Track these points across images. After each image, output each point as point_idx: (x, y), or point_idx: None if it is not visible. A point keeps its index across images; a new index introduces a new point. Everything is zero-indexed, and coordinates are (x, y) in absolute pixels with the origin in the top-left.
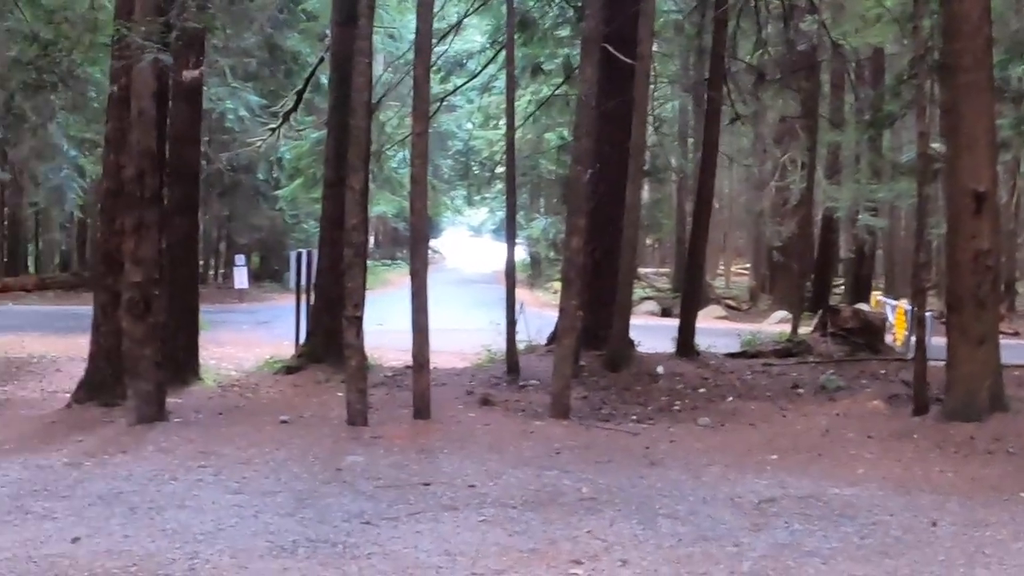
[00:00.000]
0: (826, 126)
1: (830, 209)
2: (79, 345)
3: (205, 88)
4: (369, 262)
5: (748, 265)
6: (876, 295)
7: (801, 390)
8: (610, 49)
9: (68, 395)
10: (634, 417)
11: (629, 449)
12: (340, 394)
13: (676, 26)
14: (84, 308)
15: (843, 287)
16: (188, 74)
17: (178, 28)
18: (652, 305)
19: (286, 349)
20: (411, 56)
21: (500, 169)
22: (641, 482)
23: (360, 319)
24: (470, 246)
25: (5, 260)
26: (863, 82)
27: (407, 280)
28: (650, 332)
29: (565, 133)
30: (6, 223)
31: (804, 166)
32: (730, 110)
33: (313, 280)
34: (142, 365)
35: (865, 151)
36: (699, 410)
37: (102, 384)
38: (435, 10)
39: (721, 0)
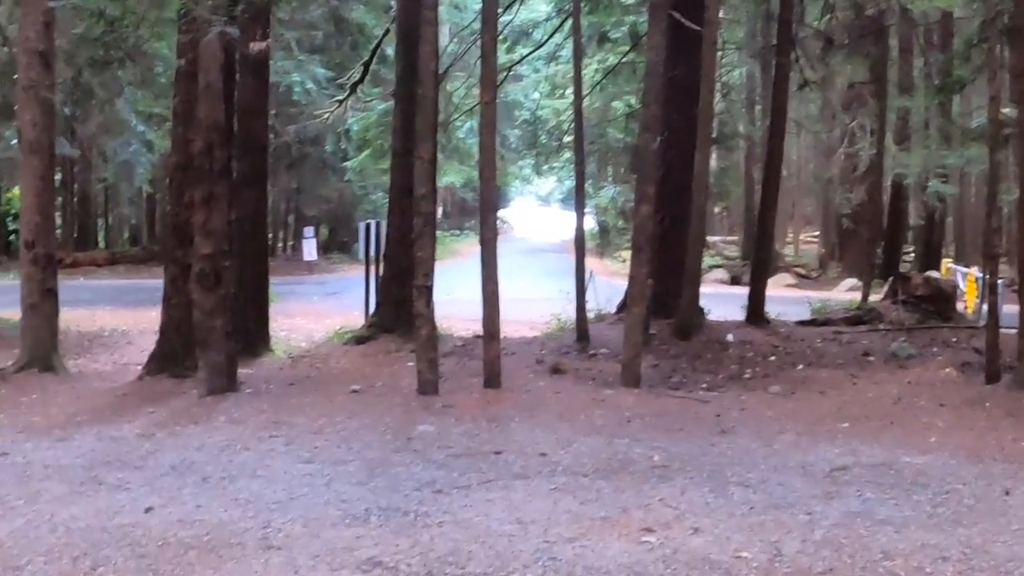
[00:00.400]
0: (895, 91)
1: (899, 176)
2: (149, 318)
3: (271, 61)
4: (438, 232)
5: (817, 233)
6: (946, 262)
7: (872, 358)
8: (677, 16)
9: (139, 367)
10: (704, 385)
11: (700, 417)
12: (410, 364)
13: None
14: (154, 281)
15: (913, 254)
16: (255, 46)
17: (244, 1)
18: (721, 273)
19: (355, 320)
20: (477, 26)
21: (568, 138)
22: (712, 450)
23: (430, 289)
24: (538, 216)
25: (75, 235)
26: (932, 46)
27: (475, 250)
28: (719, 300)
29: (633, 101)
30: (76, 199)
31: (873, 132)
32: (798, 76)
33: (382, 251)
34: (213, 337)
35: (935, 116)
36: (769, 378)
37: (173, 356)
38: None
39: None
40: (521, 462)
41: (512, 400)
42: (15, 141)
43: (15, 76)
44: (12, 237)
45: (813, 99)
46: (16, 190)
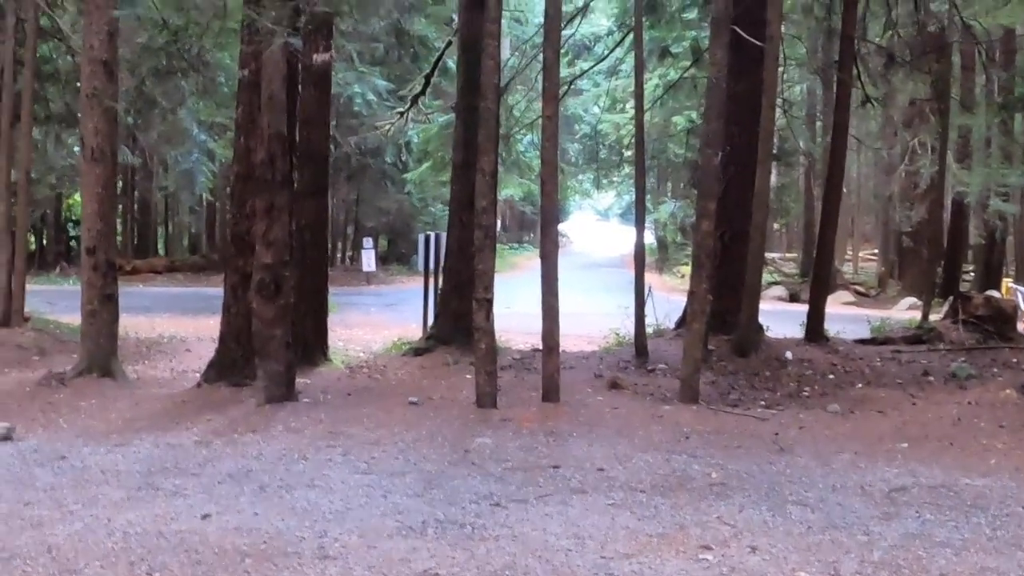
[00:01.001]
0: (957, 109)
1: (960, 194)
2: (208, 326)
3: (333, 72)
4: (497, 245)
5: (876, 250)
6: (1007, 282)
7: (931, 378)
8: (739, 31)
9: (198, 375)
10: (763, 403)
11: (758, 435)
12: (468, 376)
13: (805, 7)
14: (212, 290)
15: (973, 273)
16: (319, 57)
17: (307, 13)
18: (780, 290)
19: (413, 331)
20: (538, 40)
21: (628, 153)
22: (770, 468)
23: (490, 302)
24: (597, 230)
25: (135, 243)
26: (994, 64)
27: (534, 263)
28: (778, 317)
29: (693, 116)
30: (136, 206)
31: (934, 150)
32: (860, 93)
33: (441, 263)
34: (272, 346)
35: (996, 134)
36: (828, 396)
37: (232, 364)
38: None
39: None
40: (579, 477)
41: (570, 414)
42: (77, 148)
43: (78, 84)
44: (72, 243)
45: (874, 116)
46: (77, 196)
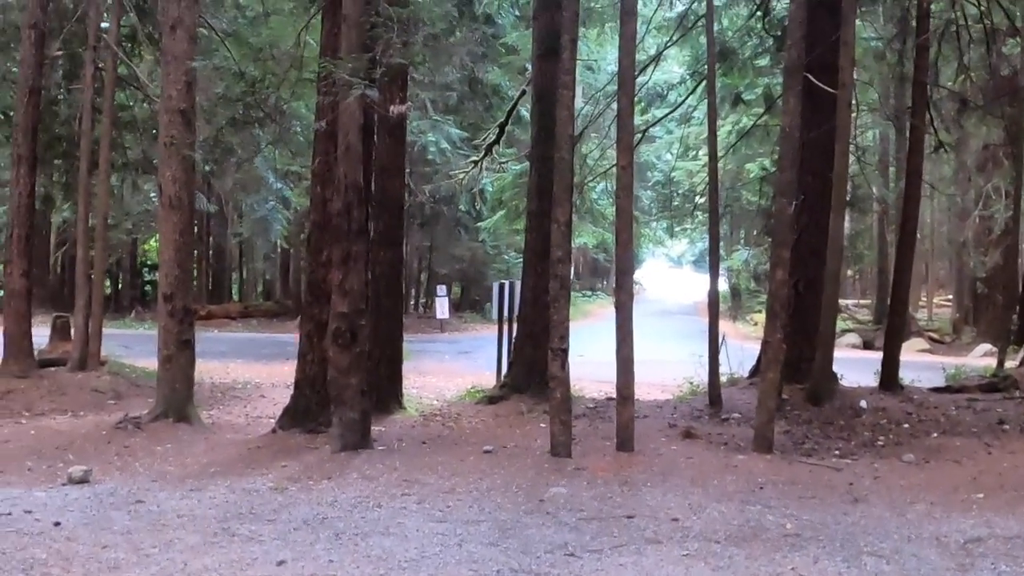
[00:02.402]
0: None
1: None
2: (282, 372)
3: (407, 121)
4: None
5: (950, 297)
6: None
7: (1007, 426)
8: (811, 78)
9: (272, 420)
10: (837, 452)
11: (832, 485)
12: (543, 425)
13: (876, 54)
14: (286, 336)
15: None
16: (395, 110)
17: (383, 64)
18: (854, 337)
19: (487, 379)
20: (611, 88)
21: (700, 200)
22: (845, 519)
23: (566, 351)
24: (670, 277)
25: (210, 288)
26: None
27: (607, 311)
28: (852, 365)
29: (767, 163)
30: (211, 252)
31: (1008, 194)
32: (933, 138)
33: (515, 311)
34: (347, 393)
35: None
36: (903, 446)
37: (307, 411)
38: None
39: (923, 26)
40: (653, 527)
41: (644, 464)
42: (153, 194)
43: (155, 132)
44: (147, 287)
45: (948, 161)
46: (152, 241)
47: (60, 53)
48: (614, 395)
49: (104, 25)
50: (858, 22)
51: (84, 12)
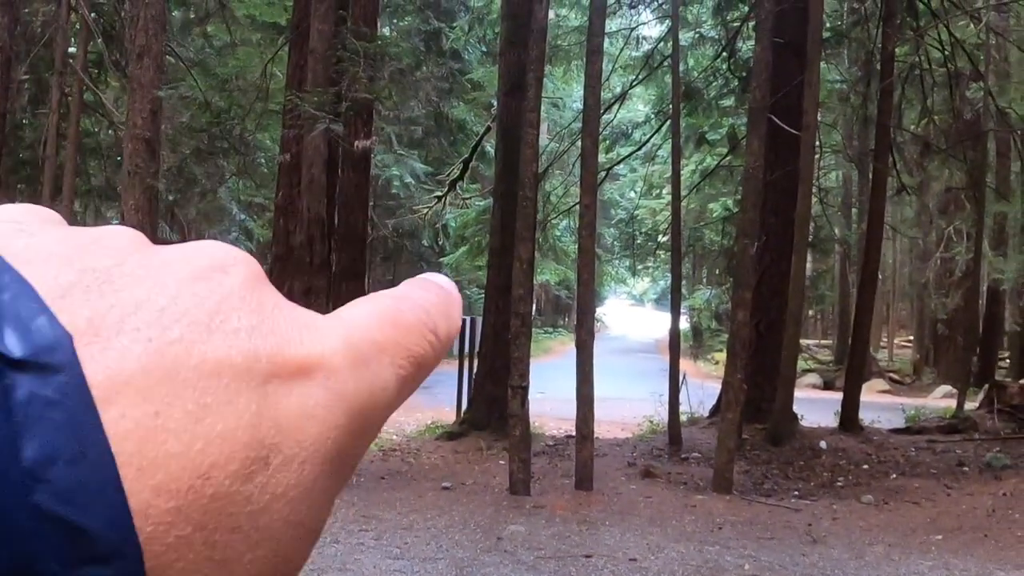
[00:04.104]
0: (992, 196)
1: (996, 281)
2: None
3: (371, 155)
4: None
5: (911, 338)
6: None
7: (966, 468)
8: (775, 120)
9: None
10: (796, 492)
11: (791, 525)
12: (502, 462)
13: (841, 96)
14: None
15: (1008, 361)
16: (360, 144)
17: (349, 98)
18: (814, 378)
19: (447, 415)
20: (576, 125)
21: (663, 238)
22: (803, 560)
23: (526, 389)
24: (632, 315)
25: None
26: None
27: (568, 348)
28: (812, 405)
29: (730, 203)
30: None
31: (969, 237)
32: (895, 180)
33: (476, 347)
34: None
35: None
36: (862, 487)
37: None
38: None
39: (887, 69)
40: (611, 567)
41: (603, 503)
42: (116, 221)
43: (119, 158)
44: None
45: (910, 203)
46: None
47: (26, 77)
48: (574, 433)
49: (71, 51)
50: (823, 64)
51: (51, 37)
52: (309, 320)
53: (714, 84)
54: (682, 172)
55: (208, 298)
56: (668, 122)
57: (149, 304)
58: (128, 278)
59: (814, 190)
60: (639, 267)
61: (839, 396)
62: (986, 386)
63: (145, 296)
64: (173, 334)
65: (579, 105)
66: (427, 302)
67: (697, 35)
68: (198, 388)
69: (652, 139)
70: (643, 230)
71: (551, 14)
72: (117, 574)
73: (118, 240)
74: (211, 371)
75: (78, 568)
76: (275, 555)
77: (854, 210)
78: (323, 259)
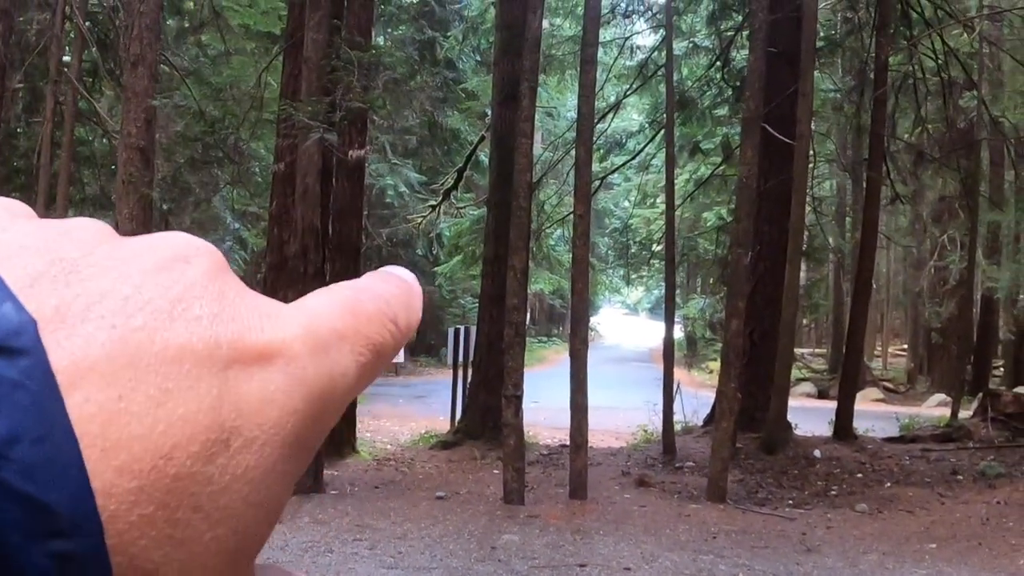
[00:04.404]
0: (986, 205)
1: (989, 290)
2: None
3: (366, 164)
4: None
5: (905, 346)
6: None
7: (960, 477)
8: (769, 129)
9: None
10: (790, 501)
11: (785, 534)
12: (496, 471)
13: (834, 105)
14: None
15: (1002, 370)
16: (354, 154)
17: (343, 108)
18: (808, 387)
19: (441, 424)
20: (570, 135)
21: (657, 248)
22: (797, 569)
23: (520, 398)
24: (626, 324)
25: None
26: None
27: (562, 357)
28: (806, 414)
29: (724, 212)
30: None
31: (963, 246)
32: (889, 189)
33: (470, 356)
34: None
35: None
36: (856, 495)
37: None
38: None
39: (881, 79)
40: None
41: (597, 512)
42: None
43: (113, 167)
44: None
45: (903, 212)
46: None
47: (21, 86)
48: (568, 442)
49: (66, 59)
50: (816, 74)
51: (46, 46)
52: (271, 308)
53: (708, 93)
54: (676, 181)
55: (171, 287)
56: (662, 131)
57: (114, 293)
58: (94, 268)
59: (808, 199)
60: (633, 276)
61: (833, 405)
62: (980, 394)
63: (110, 285)
64: (136, 322)
65: (573, 114)
66: (388, 293)
67: (691, 45)
68: (160, 373)
69: (646, 148)
70: (637, 239)
71: (545, 24)
72: (79, 549)
73: (86, 232)
74: (173, 357)
75: (41, 542)
76: (235, 534)
77: (848, 219)
78: (317, 268)
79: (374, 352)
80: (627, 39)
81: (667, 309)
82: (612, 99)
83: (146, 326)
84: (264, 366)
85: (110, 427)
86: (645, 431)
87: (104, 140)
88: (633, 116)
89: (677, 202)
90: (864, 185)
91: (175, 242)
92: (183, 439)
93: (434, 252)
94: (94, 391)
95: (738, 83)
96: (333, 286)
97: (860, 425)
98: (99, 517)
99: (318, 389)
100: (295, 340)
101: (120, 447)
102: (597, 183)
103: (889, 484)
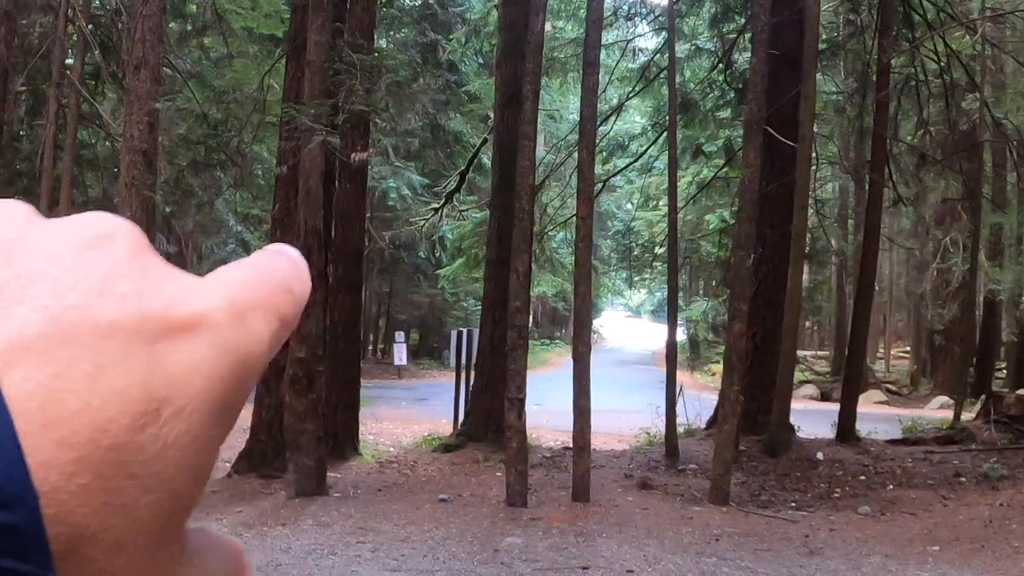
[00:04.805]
0: (988, 207)
1: (992, 292)
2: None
3: (368, 167)
4: (528, 341)
5: (908, 349)
6: None
7: (963, 479)
8: (771, 131)
9: (227, 465)
10: (793, 504)
11: (788, 537)
12: (499, 474)
13: (837, 108)
14: None
15: (1005, 372)
16: (356, 157)
17: (346, 110)
18: (811, 389)
19: (444, 427)
20: (573, 137)
21: (660, 250)
22: (800, 571)
23: (522, 401)
24: (629, 326)
25: None
26: None
27: (565, 360)
28: (809, 417)
29: (726, 215)
30: None
31: (966, 248)
32: (891, 192)
33: (473, 359)
34: (303, 439)
35: None
36: (859, 498)
37: (262, 456)
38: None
39: (883, 81)
40: None
41: (600, 514)
42: None
43: (116, 170)
44: None
45: (906, 214)
46: None
47: (24, 89)
48: (571, 445)
49: (69, 62)
50: (819, 76)
51: (49, 49)
52: (191, 282)
53: (710, 96)
54: (679, 184)
55: (99, 266)
56: (664, 134)
57: (45, 274)
58: (26, 250)
59: (810, 202)
60: (636, 279)
61: (836, 407)
62: (983, 397)
63: (42, 267)
64: (69, 301)
65: (575, 117)
66: (282, 267)
67: (693, 47)
68: (94, 350)
69: (649, 151)
70: (640, 242)
71: (547, 26)
72: (18, 519)
73: (14, 214)
74: (105, 334)
75: None
76: (168, 498)
77: (850, 221)
78: (320, 271)
79: (281, 320)
80: (629, 42)
81: (670, 311)
82: (615, 101)
83: (78, 305)
84: (189, 337)
85: (49, 403)
86: (648, 434)
87: (107, 143)
88: (635, 118)
89: (679, 204)
90: (866, 187)
91: (98, 222)
92: (117, 412)
93: (437, 255)
94: (32, 369)
95: (740, 86)
96: (234, 262)
97: (863, 427)
98: (35, 489)
99: (239, 356)
100: (216, 310)
101: (59, 422)
102: (600, 185)
103: (892, 486)
